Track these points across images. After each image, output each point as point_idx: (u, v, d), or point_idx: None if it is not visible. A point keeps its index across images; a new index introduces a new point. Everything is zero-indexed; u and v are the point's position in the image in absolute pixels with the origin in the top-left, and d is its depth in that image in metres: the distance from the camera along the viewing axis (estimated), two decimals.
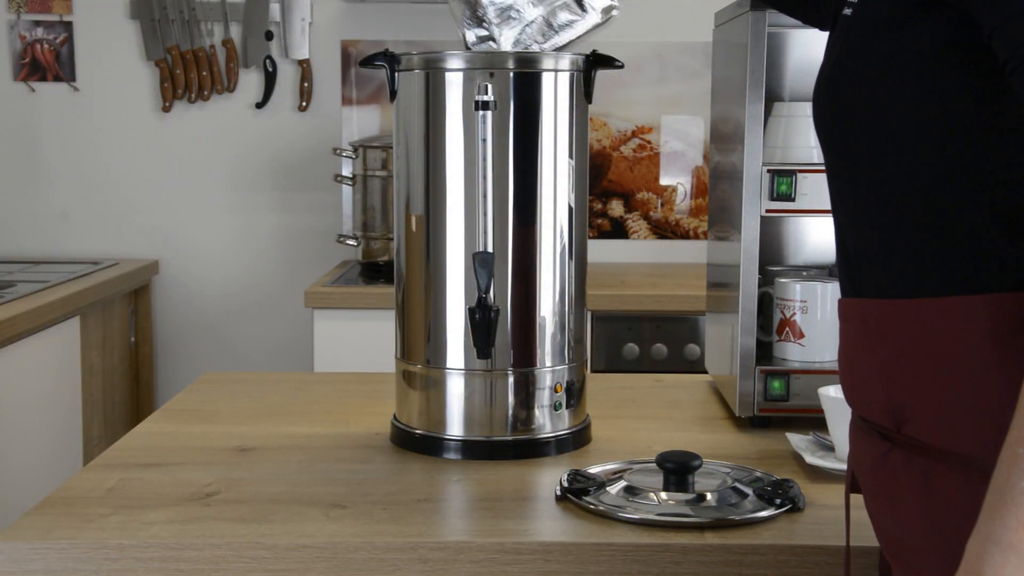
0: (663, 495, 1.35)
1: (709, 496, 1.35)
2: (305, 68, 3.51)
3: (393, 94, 1.57)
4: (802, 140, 1.71)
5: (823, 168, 1.66)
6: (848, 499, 1.15)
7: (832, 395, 1.49)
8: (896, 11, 0.96)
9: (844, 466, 1.45)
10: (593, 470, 1.44)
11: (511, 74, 1.50)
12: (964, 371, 0.93)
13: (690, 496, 1.35)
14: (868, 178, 1.01)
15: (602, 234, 3.54)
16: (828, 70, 1.06)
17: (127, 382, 3.34)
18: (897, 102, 0.97)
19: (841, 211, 1.07)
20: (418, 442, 1.57)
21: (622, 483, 1.39)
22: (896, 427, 1.00)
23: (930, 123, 0.95)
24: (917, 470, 0.97)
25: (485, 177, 1.51)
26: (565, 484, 1.38)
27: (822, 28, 1.35)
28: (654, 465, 1.39)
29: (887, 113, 0.98)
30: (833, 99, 1.04)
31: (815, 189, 1.65)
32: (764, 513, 1.31)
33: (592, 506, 1.33)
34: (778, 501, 1.33)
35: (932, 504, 0.96)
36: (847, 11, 1.03)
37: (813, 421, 1.62)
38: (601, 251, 3.50)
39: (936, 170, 0.95)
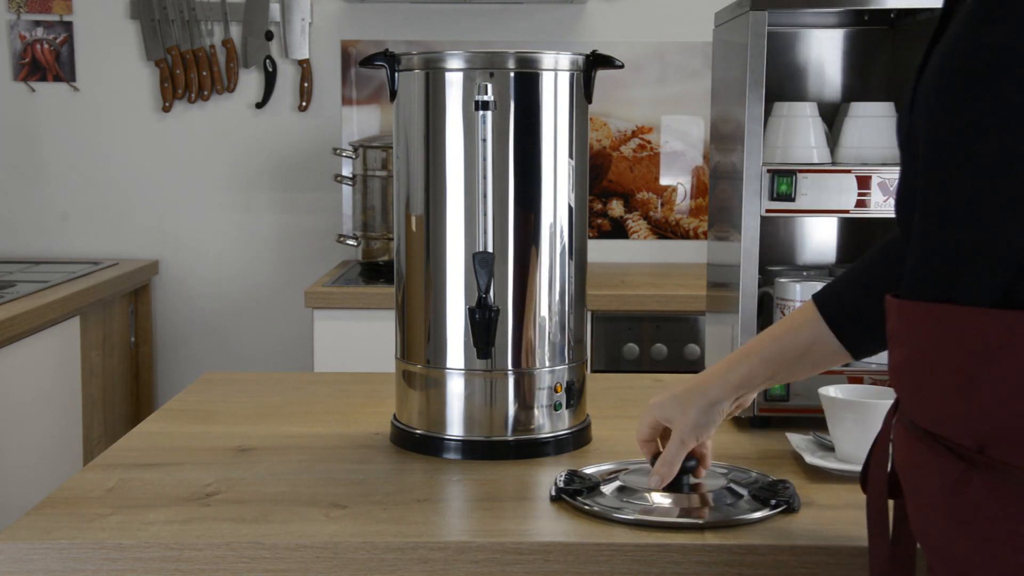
0: (657, 496, 1.35)
1: (703, 497, 1.35)
2: (305, 68, 3.51)
3: (393, 94, 1.57)
4: (802, 140, 1.71)
5: (823, 168, 1.67)
6: (883, 505, 1.10)
7: (832, 395, 1.49)
8: None
9: (844, 466, 1.45)
10: (589, 470, 1.44)
11: (511, 74, 1.50)
12: None
13: (684, 496, 1.35)
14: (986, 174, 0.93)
15: (602, 234, 3.54)
16: (961, 52, 0.95)
17: (127, 382, 3.34)
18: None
19: (944, 204, 0.98)
20: (418, 442, 1.57)
21: (617, 483, 1.39)
22: (978, 447, 0.92)
23: None
24: (1007, 496, 0.90)
25: (485, 177, 1.51)
26: (560, 484, 1.38)
27: None
28: (649, 466, 1.39)
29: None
30: (972, 83, 0.94)
31: (815, 189, 1.65)
32: (758, 514, 1.31)
33: (586, 507, 1.33)
34: (773, 502, 1.33)
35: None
36: None
37: (813, 421, 1.62)
38: (601, 251, 3.50)
39: None
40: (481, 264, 1.50)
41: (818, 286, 1.70)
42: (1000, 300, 0.91)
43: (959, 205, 0.95)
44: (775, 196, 1.65)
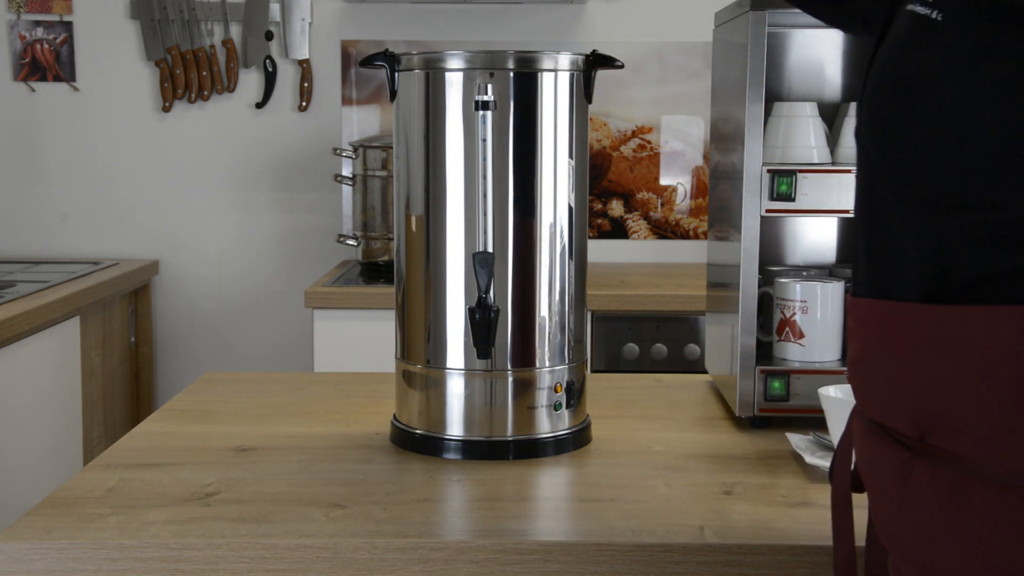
0: None
1: None
2: (305, 68, 3.51)
3: (393, 94, 1.57)
4: (802, 140, 1.71)
5: (823, 168, 1.67)
6: (846, 499, 1.13)
7: (832, 395, 1.49)
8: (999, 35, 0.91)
9: None
10: None
11: (511, 74, 1.50)
12: (1008, 383, 0.90)
13: None
14: (930, 182, 0.96)
15: (602, 234, 3.54)
16: (890, 65, 1.00)
17: (127, 382, 3.34)
18: (986, 123, 0.92)
19: (885, 207, 1.02)
20: (418, 442, 1.57)
21: None
22: (919, 436, 0.96)
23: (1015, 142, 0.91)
24: (945, 482, 0.94)
25: (485, 177, 1.51)
26: None
27: (846, 29, 1.33)
28: None
29: (970, 130, 0.93)
30: (901, 98, 0.98)
31: (815, 189, 1.65)
32: None
33: None
34: None
35: (964, 517, 0.92)
36: (924, 10, 0.96)
37: (813, 421, 1.62)
38: (601, 251, 3.50)
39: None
40: (481, 264, 1.50)
41: (818, 286, 1.72)
42: (930, 294, 0.95)
43: (888, 203, 1.00)
44: (775, 196, 1.65)
